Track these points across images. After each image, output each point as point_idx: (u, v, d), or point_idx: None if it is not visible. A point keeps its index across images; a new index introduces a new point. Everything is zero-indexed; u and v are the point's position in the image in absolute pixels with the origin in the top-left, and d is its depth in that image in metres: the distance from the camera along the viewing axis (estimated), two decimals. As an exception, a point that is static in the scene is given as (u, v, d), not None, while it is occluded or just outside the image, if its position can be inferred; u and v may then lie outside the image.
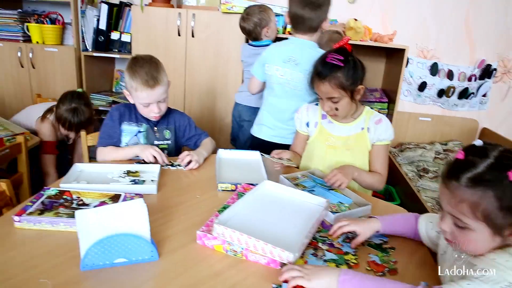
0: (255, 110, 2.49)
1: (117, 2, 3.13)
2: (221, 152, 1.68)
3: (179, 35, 2.73)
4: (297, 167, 1.64)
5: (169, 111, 1.76)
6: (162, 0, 2.84)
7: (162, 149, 1.67)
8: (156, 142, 1.69)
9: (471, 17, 3.04)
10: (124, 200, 1.17)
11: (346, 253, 1.03)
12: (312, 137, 1.64)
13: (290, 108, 1.84)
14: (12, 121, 2.37)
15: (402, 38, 2.99)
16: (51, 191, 1.21)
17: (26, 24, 3.05)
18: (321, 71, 1.43)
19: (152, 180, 1.36)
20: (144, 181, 1.35)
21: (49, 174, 2.23)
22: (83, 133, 1.81)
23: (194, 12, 2.68)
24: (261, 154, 1.60)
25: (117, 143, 1.66)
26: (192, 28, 2.69)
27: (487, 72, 3.09)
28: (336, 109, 1.47)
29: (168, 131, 1.73)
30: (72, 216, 1.04)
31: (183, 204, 1.24)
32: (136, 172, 1.41)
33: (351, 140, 1.55)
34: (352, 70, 1.41)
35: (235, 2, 2.57)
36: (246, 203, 1.16)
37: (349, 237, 1.11)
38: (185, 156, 1.54)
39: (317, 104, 1.65)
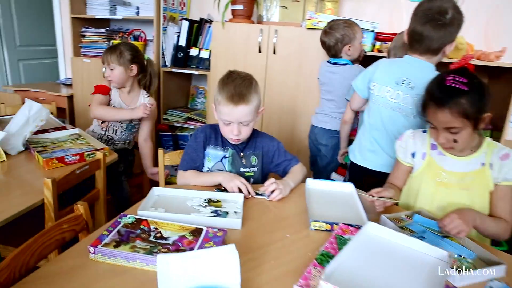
0: (332, 133, 2.29)
1: (198, 19, 3.13)
2: (310, 182, 1.49)
3: (259, 51, 2.63)
4: (397, 204, 1.41)
5: (257, 134, 1.61)
6: (243, 16, 2.77)
7: (248, 177, 1.54)
8: (242, 170, 1.55)
9: None
10: (207, 235, 1.03)
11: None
12: (418, 171, 1.39)
13: (398, 135, 1.55)
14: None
15: (510, 56, 2.61)
16: (128, 219, 1.11)
17: (112, 41, 3.16)
18: (439, 97, 1.19)
19: (235, 212, 1.21)
20: (227, 212, 1.20)
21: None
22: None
23: (276, 28, 2.56)
24: (358, 192, 1.38)
25: (199, 168, 1.54)
26: (274, 44, 2.57)
27: None
28: (455, 141, 1.22)
29: (255, 157, 1.58)
30: (149, 252, 0.94)
31: (271, 245, 1.07)
32: (218, 201, 1.27)
33: (469, 177, 1.28)
34: (478, 95, 1.16)
35: (321, 18, 2.41)
36: (351, 251, 0.96)
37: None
38: (270, 184, 1.38)
39: (425, 131, 1.41)
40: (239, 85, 1.40)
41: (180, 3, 3.26)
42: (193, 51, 3.09)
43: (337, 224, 1.14)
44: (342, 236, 1.07)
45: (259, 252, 1.02)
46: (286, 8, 2.89)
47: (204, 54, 3.05)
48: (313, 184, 1.49)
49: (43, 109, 1.91)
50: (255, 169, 1.57)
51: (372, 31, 2.38)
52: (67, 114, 3.36)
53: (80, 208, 1.16)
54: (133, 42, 3.08)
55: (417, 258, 0.99)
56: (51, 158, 1.68)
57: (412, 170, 1.42)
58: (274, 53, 2.59)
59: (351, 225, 1.13)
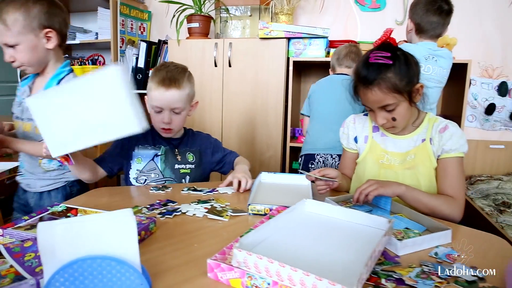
0: None
1: (156, 41, 3.12)
2: (264, 176, 1.43)
3: (215, 65, 2.61)
4: (348, 192, 1.35)
5: (193, 133, 1.59)
6: (199, 34, 2.78)
7: (184, 174, 1.46)
8: (177, 166, 1.48)
9: (542, 28, 2.67)
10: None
11: (425, 294, 0.71)
12: (362, 155, 1.34)
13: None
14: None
15: (462, 55, 2.66)
16: (59, 207, 1.03)
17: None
18: (365, 76, 1.14)
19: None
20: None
21: None
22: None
23: (231, 41, 2.57)
24: (300, 172, 1.33)
25: (112, 169, 1.43)
26: (229, 57, 2.56)
27: None
28: (394, 119, 1.18)
29: (192, 154, 1.52)
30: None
31: (201, 230, 0.98)
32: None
33: (411, 156, 1.23)
34: (405, 67, 1.13)
35: (273, 27, 2.43)
36: (279, 224, 0.88)
37: (426, 271, 0.78)
38: (232, 180, 1.33)
39: (366, 115, 1.37)
40: (171, 71, 1.38)
41: (140, 27, 3.27)
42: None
43: (276, 206, 1.07)
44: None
45: (185, 237, 0.93)
46: (240, 26, 2.92)
47: (163, 75, 3.01)
48: (267, 177, 1.43)
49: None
50: (192, 166, 1.50)
51: (324, 37, 2.40)
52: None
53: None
54: (91, 67, 3.04)
55: (356, 229, 0.92)
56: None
57: (358, 155, 1.37)
58: (230, 66, 2.58)
59: (288, 207, 1.05)
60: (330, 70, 2.23)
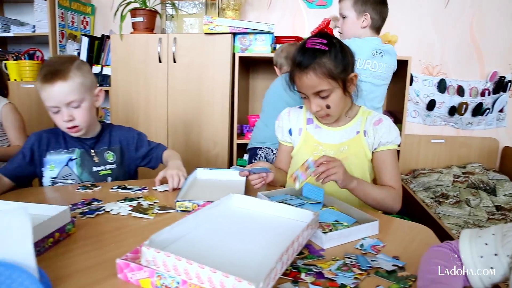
0: None
1: (99, 36, 2.98)
2: (200, 172, 1.38)
3: (160, 61, 2.52)
4: (283, 187, 1.33)
5: (111, 128, 1.47)
6: (144, 29, 2.68)
7: (105, 176, 1.38)
8: (95, 169, 1.37)
9: (475, 27, 2.81)
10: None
11: (343, 286, 0.69)
12: (296, 148, 1.33)
13: None
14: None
15: (403, 53, 2.75)
16: None
17: (4, 62, 2.91)
18: (302, 60, 1.14)
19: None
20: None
21: None
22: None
23: (175, 36, 2.49)
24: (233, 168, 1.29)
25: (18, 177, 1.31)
26: (173, 53, 2.49)
27: (501, 85, 2.80)
28: (328, 106, 1.17)
29: (112, 153, 1.42)
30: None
31: (122, 229, 0.92)
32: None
33: (345, 147, 1.23)
34: (340, 54, 1.14)
35: (218, 22, 2.38)
36: (200, 220, 0.84)
37: (348, 264, 0.77)
38: (166, 176, 1.26)
39: (301, 107, 1.36)
40: (53, 64, 1.27)
41: (82, 21, 3.11)
42: (96, 69, 2.91)
43: (203, 202, 1.03)
44: (203, 212, 0.95)
45: (103, 237, 0.87)
46: (187, 22, 2.85)
47: (107, 71, 2.88)
48: (202, 173, 1.38)
49: None
50: (113, 166, 1.41)
51: (269, 32, 2.39)
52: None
53: None
54: (27, 62, 2.85)
55: (281, 223, 0.89)
56: None
57: (293, 148, 1.35)
58: (175, 61, 2.50)
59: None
60: (276, 68, 2.21)
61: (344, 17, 1.72)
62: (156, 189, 1.26)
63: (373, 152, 1.24)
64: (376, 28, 1.73)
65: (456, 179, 2.59)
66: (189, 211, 1.03)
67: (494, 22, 2.79)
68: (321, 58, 1.11)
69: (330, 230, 0.91)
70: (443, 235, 1.80)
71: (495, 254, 0.62)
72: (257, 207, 0.95)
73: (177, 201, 1.05)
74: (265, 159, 2.03)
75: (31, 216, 0.61)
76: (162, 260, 0.64)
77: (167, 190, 1.25)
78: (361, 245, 0.87)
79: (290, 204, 1.05)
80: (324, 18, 1.21)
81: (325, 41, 1.12)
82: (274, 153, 2.01)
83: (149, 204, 1.10)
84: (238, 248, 0.76)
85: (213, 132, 2.50)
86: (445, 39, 2.85)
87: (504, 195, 2.46)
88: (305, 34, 2.87)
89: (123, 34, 2.57)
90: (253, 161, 2.07)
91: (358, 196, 1.14)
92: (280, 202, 1.06)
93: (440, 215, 2.13)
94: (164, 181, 1.29)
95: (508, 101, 2.87)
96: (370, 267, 0.77)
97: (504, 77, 2.79)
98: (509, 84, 2.81)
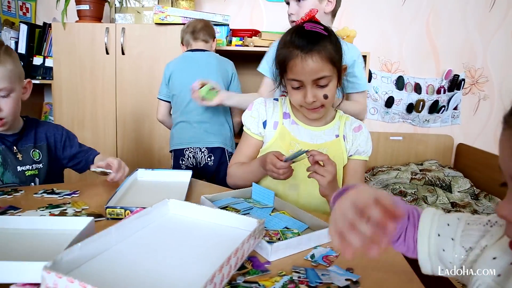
0: None
1: (41, 24, 2.74)
2: (141, 173, 1.24)
3: (107, 53, 2.34)
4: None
5: (37, 124, 1.31)
6: (90, 18, 2.47)
7: (32, 177, 1.23)
8: (20, 168, 1.21)
9: (431, 26, 2.83)
10: None
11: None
12: (269, 142, 1.19)
13: None
14: None
15: (362, 48, 2.71)
16: None
17: None
18: (305, 43, 1.02)
19: None
20: None
21: None
22: None
23: (124, 26, 2.32)
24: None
25: None
26: (121, 44, 2.31)
27: (455, 83, 2.83)
28: (325, 96, 1.06)
29: (38, 151, 1.26)
30: None
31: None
32: None
33: (323, 149, 1.13)
34: (336, 41, 1.07)
35: (170, 12, 2.23)
36: (125, 232, 0.71)
37: (295, 280, 0.67)
38: (113, 163, 1.16)
39: (276, 100, 1.24)
40: None
41: (22, 7, 2.85)
42: (37, 60, 2.67)
43: (137, 208, 0.90)
44: (133, 221, 0.82)
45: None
46: (139, 13, 2.68)
47: (50, 63, 2.64)
48: (144, 174, 1.24)
49: None
50: (40, 165, 1.26)
51: (224, 24, 2.27)
52: None
53: None
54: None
55: (223, 233, 0.78)
56: None
57: (263, 143, 1.23)
58: (123, 53, 2.33)
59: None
60: (182, 45, 2.05)
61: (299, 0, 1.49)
62: (95, 171, 1.16)
63: (348, 158, 1.18)
64: (335, 14, 1.58)
65: (413, 176, 2.59)
66: (120, 219, 0.89)
67: (448, 21, 2.82)
68: (324, 42, 1.03)
69: (279, 239, 0.81)
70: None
71: (452, 239, 0.59)
72: (196, 214, 0.83)
73: (107, 207, 0.92)
74: (194, 159, 1.90)
75: None
76: (64, 287, 0.51)
77: (106, 174, 1.14)
78: (312, 256, 0.78)
79: (236, 209, 0.95)
80: (310, 9, 1.10)
81: (322, 27, 1.05)
82: (203, 152, 1.88)
83: (76, 212, 0.96)
84: (169, 264, 0.65)
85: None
86: (403, 36, 2.85)
87: (458, 191, 2.49)
88: (263, 27, 2.77)
89: (66, 22, 2.35)
90: (181, 162, 1.91)
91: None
92: (225, 207, 0.96)
93: (398, 214, 2.10)
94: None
95: (462, 99, 2.92)
96: (321, 282, 0.67)
97: (458, 75, 2.83)
98: (463, 82, 2.85)
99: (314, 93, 1.06)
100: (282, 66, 1.08)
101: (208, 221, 0.81)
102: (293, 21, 1.54)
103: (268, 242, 0.77)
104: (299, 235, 0.84)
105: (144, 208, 0.85)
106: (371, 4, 2.80)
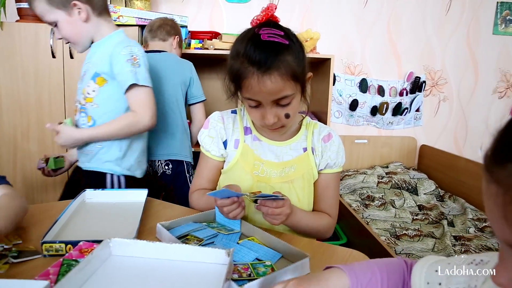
0: None
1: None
2: (90, 194, 1.08)
3: (53, 56, 2.13)
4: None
5: None
6: (34, 17, 2.24)
7: None
8: None
9: (392, 28, 2.83)
10: None
11: None
12: (230, 164, 1.04)
13: None
14: None
15: (325, 51, 2.66)
16: None
17: None
18: (261, 58, 0.83)
19: None
20: None
21: None
22: None
23: (71, 27, 2.12)
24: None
25: None
26: (69, 47, 2.11)
27: (417, 85, 2.85)
28: (287, 115, 0.91)
29: None
30: None
31: None
32: None
33: (291, 168, 1.01)
34: (298, 49, 0.89)
35: (122, 12, 2.07)
36: (67, 283, 0.57)
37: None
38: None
39: (234, 112, 1.09)
40: None
41: (-46, 7, 2.56)
42: (-27, 64, 2.41)
43: (79, 242, 0.75)
44: (72, 261, 0.68)
45: None
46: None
47: (-12, 67, 2.40)
48: (94, 195, 1.09)
49: None
50: None
51: (182, 26, 2.13)
52: None
53: None
54: None
55: (185, 271, 0.66)
56: None
57: (224, 164, 1.07)
58: (72, 57, 2.13)
59: (97, 241, 0.75)
60: (143, 46, 1.87)
61: (55, 24, 1.34)
62: None
63: (318, 173, 1.04)
64: (107, 10, 1.44)
65: (380, 180, 2.57)
66: (61, 255, 0.75)
67: (408, 24, 2.83)
68: (284, 55, 0.85)
69: (249, 275, 0.70)
70: (374, 244, 1.71)
71: (439, 284, 0.56)
72: (146, 252, 0.70)
73: (43, 242, 0.77)
74: (150, 168, 1.75)
75: None
76: None
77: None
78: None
79: (198, 238, 0.83)
80: (268, 4, 0.93)
81: (282, 33, 0.87)
82: (160, 161, 1.76)
83: (4, 248, 0.80)
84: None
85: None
86: (365, 39, 2.83)
87: (424, 193, 2.48)
88: (224, 29, 2.65)
89: (5, 22, 2.13)
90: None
91: (296, 229, 0.98)
92: (186, 236, 0.84)
93: (367, 220, 2.06)
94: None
95: (424, 101, 2.94)
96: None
97: (419, 78, 2.84)
98: (424, 84, 2.87)
99: (274, 113, 0.90)
100: (236, 81, 0.90)
101: (164, 258, 0.69)
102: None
103: (236, 280, 0.65)
104: (272, 268, 0.73)
105: (88, 241, 0.72)
106: (333, 6, 2.76)
